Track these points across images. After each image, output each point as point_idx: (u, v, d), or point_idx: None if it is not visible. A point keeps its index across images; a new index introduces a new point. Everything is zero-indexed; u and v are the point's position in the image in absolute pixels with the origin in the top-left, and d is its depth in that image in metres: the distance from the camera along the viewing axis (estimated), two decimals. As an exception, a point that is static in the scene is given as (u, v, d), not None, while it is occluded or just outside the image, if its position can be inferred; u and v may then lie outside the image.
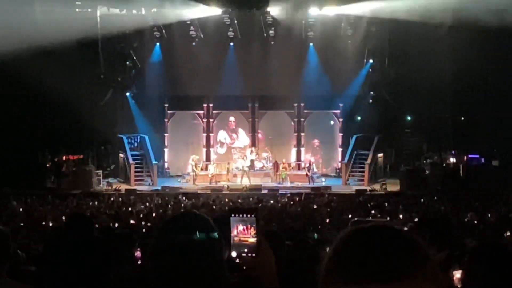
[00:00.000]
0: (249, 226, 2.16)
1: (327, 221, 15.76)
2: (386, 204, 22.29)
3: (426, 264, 1.33)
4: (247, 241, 2.16)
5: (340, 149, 33.69)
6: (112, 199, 24.77)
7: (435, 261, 1.38)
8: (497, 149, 30.42)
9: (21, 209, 20.09)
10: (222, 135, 34.14)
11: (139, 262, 5.68)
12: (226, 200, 23.86)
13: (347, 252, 1.35)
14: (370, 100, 33.69)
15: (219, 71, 32.68)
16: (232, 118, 34.07)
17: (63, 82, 26.83)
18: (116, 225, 13.52)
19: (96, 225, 9.39)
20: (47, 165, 31.09)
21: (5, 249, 3.76)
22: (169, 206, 20.95)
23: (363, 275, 1.29)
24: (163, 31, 32.66)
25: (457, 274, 4.06)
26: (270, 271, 2.22)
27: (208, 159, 33.10)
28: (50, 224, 14.69)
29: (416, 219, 12.73)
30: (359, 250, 1.33)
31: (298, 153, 33.75)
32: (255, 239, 2.16)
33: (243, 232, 2.16)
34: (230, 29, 32.40)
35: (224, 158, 33.21)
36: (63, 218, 16.32)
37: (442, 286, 1.35)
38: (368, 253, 1.31)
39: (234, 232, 2.16)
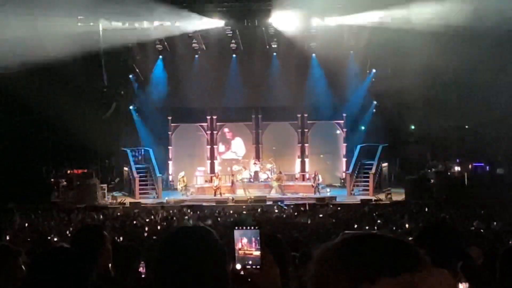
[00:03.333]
0: (253, 239, 2.16)
1: (332, 231, 15.71)
2: (391, 212, 22.28)
3: (419, 263, 1.38)
4: (251, 254, 2.16)
5: (344, 159, 33.66)
6: (118, 213, 24.76)
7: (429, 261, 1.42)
8: (502, 157, 30.33)
9: (26, 224, 20.11)
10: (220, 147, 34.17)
11: (143, 276, 5.65)
12: (231, 212, 23.83)
13: (338, 256, 1.40)
14: (374, 110, 33.71)
15: (222, 83, 32.76)
16: (226, 129, 34.01)
17: (66, 96, 26.91)
18: (121, 238, 13.52)
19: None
20: (52, 179, 31.10)
21: (14, 267, 3.69)
22: (174, 218, 20.95)
23: (358, 272, 1.34)
24: (166, 44, 32.76)
25: (462, 286, 4.03)
26: (275, 283, 2.21)
27: (212, 171, 33.01)
28: (55, 239, 14.68)
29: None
30: (352, 249, 1.39)
31: (302, 163, 33.67)
32: (259, 252, 2.16)
33: (247, 245, 2.15)
34: (233, 41, 32.51)
35: (222, 169, 33.05)
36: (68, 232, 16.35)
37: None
38: (363, 251, 1.37)
39: (238, 245, 2.15)
